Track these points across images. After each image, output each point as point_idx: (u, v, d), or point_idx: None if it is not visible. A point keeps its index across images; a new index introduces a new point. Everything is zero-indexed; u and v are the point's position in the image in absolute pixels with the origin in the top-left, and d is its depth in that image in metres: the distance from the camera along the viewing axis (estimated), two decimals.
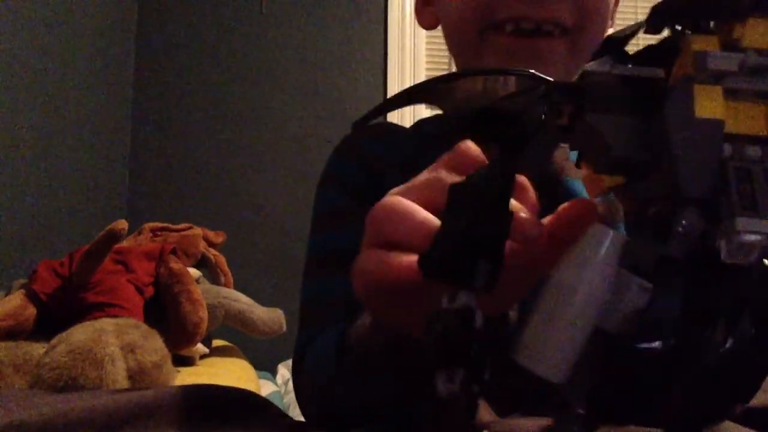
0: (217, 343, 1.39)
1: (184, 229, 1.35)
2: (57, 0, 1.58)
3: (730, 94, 0.20)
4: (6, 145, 1.36)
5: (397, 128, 0.62)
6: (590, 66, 0.23)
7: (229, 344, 1.46)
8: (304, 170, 2.04)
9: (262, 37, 2.11)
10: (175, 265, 1.11)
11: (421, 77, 2.10)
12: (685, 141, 0.20)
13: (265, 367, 1.70)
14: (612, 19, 0.52)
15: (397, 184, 0.27)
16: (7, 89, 1.37)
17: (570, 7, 0.45)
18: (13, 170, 1.39)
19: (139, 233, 1.35)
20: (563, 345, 0.20)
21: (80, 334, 0.79)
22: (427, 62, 2.10)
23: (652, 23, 0.22)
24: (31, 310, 0.98)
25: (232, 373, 1.19)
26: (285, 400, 1.56)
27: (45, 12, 1.52)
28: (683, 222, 0.20)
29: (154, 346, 0.87)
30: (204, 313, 1.09)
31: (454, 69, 0.56)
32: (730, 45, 0.20)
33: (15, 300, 0.98)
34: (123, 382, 0.79)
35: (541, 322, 0.21)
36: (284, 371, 1.78)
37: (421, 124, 0.60)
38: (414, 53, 2.11)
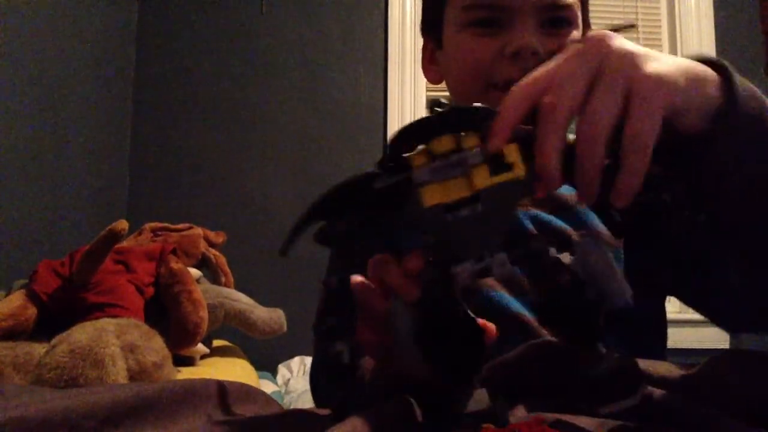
0: (217, 343, 1.39)
1: (184, 229, 1.35)
2: (57, 1, 1.58)
3: (442, 180, 0.33)
4: (6, 145, 1.36)
5: None
6: (376, 184, 0.34)
7: (230, 344, 1.46)
8: (305, 170, 2.04)
9: (262, 37, 2.11)
10: (175, 265, 1.11)
11: (422, 76, 2.10)
12: (425, 224, 0.33)
13: (266, 367, 1.70)
14: None
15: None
16: (7, 89, 1.37)
17: None
18: (14, 170, 1.39)
19: (140, 233, 1.35)
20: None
21: (81, 334, 0.78)
22: None
23: (391, 152, 0.34)
24: (32, 310, 0.98)
25: (233, 373, 1.19)
26: (285, 400, 1.56)
27: (46, 12, 1.52)
28: (424, 275, 0.34)
29: (154, 346, 0.87)
30: (204, 313, 1.09)
31: None
32: (431, 154, 0.33)
33: (15, 300, 0.98)
34: (123, 383, 0.79)
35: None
36: (284, 371, 1.78)
37: None
38: (414, 53, 2.11)
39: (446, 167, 0.33)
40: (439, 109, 0.34)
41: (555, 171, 0.32)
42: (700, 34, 2.10)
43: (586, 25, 0.68)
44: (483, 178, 0.33)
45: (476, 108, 0.34)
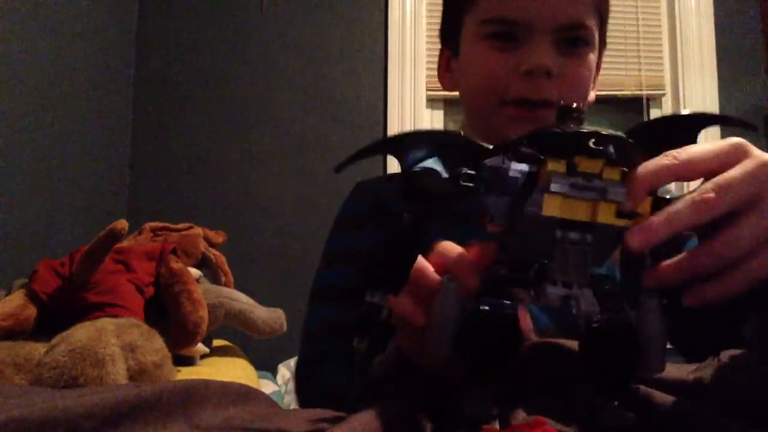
0: (217, 342, 1.38)
1: (184, 229, 1.35)
2: (57, 1, 1.58)
3: (570, 197, 0.32)
4: (7, 145, 1.36)
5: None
6: (489, 161, 0.35)
7: (230, 344, 1.46)
8: (305, 169, 2.04)
9: (262, 37, 2.11)
10: (175, 264, 1.11)
11: (422, 76, 2.10)
12: (531, 227, 0.33)
13: (266, 367, 1.70)
14: (594, 83, 0.69)
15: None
16: (7, 89, 1.37)
17: (557, 89, 0.60)
18: (14, 170, 1.39)
19: (140, 233, 1.35)
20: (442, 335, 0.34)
21: (81, 333, 0.78)
22: (428, 61, 2.10)
23: (523, 145, 0.34)
24: (32, 310, 0.98)
25: (233, 373, 1.19)
26: (285, 400, 1.56)
27: (45, 12, 1.52)
28: (494, 271, 0.34)
29: (154, 346, 0.87)
30: (204, 313, 1.09)
31: None
32: (571, 168, 0.32)
33: (15, 300, 0.98)
34: (123, 382, 0.79)
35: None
36: (284, 371, 1.79)
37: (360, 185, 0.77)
38: (414, 52, 2.10)
39: (582, 188, 0.32)
40: (577, 127, 0.33)
41: (654, 241, 0.32)
42: (700, 33, 2.10)
43: (603, 43, 0.69)
44: (607, 215, 0.32)
45: (621, 138, 0.33)
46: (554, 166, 0.32)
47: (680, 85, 2.08)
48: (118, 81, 1.98)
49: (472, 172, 0.35)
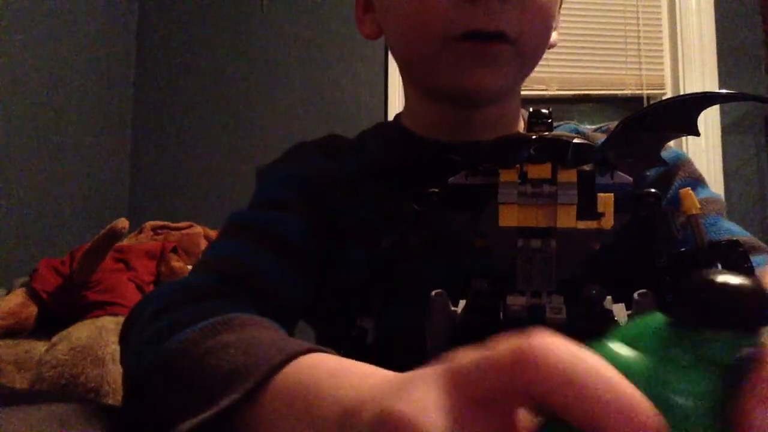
0: None
1: (184, 228, 1.35)
2: (58, 1, 1.58)
3: (525, 204, 0.32)
4: (6, 145, 1.36)
5: (342, 142, 0.63)
6: (452, 179, 0.35)
7: None
8: None
9: (263, 36, 2.11)
10: (176, 263, 1.11)
11: None
12: (493, 239, 0.33)
13: None
14: (556, 22, 0.55)
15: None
16: (7, 89, 1.37)
17: (515, 18, 0.48)
18: (14, 170, 1.39)
19: (140, 232, 1.35)
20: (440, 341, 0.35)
21: (81, 332, 0.79)
22: None
23: (485, 153, 0.34)
24: (32, 309, 0.98)
25: None
26: None
27: (46, 12, 1.52)
28: (476, 285, 0.33)
29: None
30: None
31: None
32: (523, 176, 0.32)
33: (16, 298, 0.98)
34: None
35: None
36: None
37: (363, 137, 0.63)
38: None
39: (535, 195, 0.31)
40: (543, 132, 0.33)
41: None
42: (700, 33, 2.10)
43: None
44: (568, 219, 0.31)
45: (567, 142, 0.32)
46: (506, 176, 0.32)
47: (681, 84, 2.08)
48: (118, 81, 1.98)
49: (436, 190, 0.35)
